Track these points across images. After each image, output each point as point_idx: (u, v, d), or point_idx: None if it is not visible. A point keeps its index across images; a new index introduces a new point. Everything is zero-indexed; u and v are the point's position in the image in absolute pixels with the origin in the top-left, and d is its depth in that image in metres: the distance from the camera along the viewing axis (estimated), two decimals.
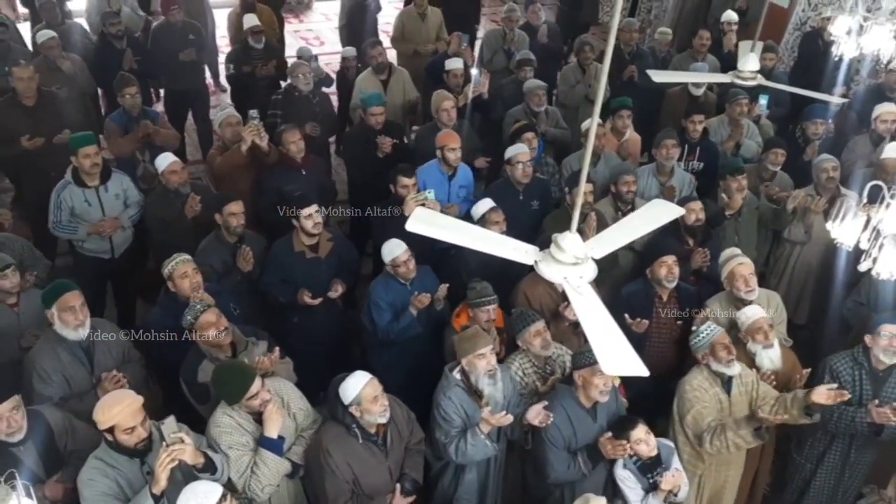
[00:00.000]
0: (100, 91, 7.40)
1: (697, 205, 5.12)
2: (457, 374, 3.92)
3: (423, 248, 4.57)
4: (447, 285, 4.62)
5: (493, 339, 4.30)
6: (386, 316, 4.55)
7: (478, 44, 7.45)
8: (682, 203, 4.91)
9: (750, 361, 4.21)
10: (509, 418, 3.79)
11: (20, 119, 5.72)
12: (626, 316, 4.50)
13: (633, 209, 5.31)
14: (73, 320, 3.87)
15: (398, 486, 3.74)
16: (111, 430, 3.26)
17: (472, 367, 3.83)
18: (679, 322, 4.71)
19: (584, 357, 3.78)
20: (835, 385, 3.85)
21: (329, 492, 3.59)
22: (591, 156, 5.65)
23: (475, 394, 3.89)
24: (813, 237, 5.48)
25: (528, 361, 4.22)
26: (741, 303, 4.45)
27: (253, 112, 5.36)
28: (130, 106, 5.87)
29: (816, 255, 5.56)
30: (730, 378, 4.05)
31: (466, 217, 4.91)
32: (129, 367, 4.14)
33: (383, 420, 3.61)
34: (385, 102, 6.15)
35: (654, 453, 3.80)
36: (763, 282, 5.35)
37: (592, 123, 2.49)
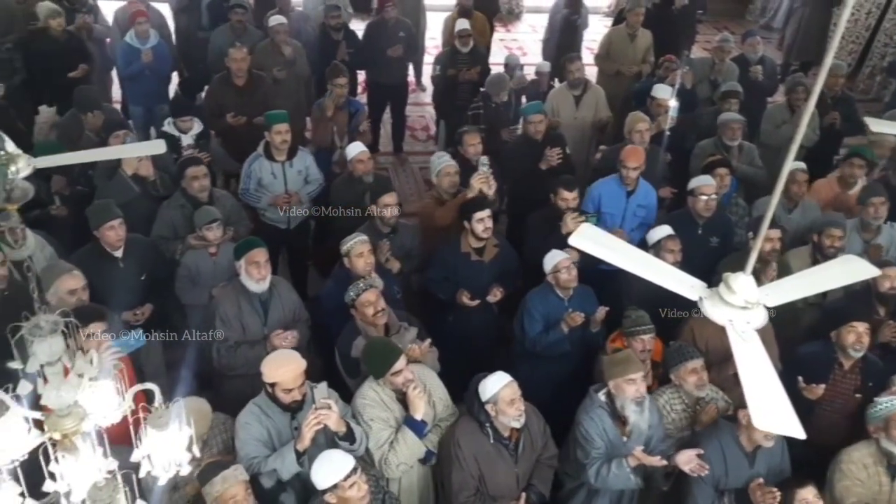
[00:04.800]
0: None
1: (895, 271, 4.65)
2: (602, 396, 3.86)
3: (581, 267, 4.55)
4: (607, 309, 4.53)
5: (647, 372, 4.18)
6: (537, 327, 4.55)
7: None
8: (879, 266, 4.48)
9: None
10: (662, 462, 3.67)
11: (230, 97, 6.29)
12: (800, 379, 4.19)
13: None
14: (256, 274, 4.28)
15: (524, 495, 3.76)
16: (273, 385, 3.54)
17: (620, 392, 3.75)
18: (858, 395, 4.31)
19: None
20: None
21: (454, 483, 3.69)
22: (788, 202, 5.41)
23: (618, 418, 3.81)
24: None
25: (677, 398, 4.07)
26: None
27: (483, 159, 5.43)
28: (338, 95, 6.25)
29: None
30: None
31: (641, 245, 4.77)
32: (297, 326, 4.48)
33: (517, 424, 3.64)
34: (544, 111, 6.14)
35: None
36: None
37: (785, 166, 2.33)
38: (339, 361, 4.21)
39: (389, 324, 4.17)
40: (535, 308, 4.56)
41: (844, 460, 3.79)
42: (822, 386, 4.21)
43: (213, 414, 3.73)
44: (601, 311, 4.52)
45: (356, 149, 5.51)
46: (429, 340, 4.19)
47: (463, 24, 7.40)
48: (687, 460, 3.65)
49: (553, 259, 4.53)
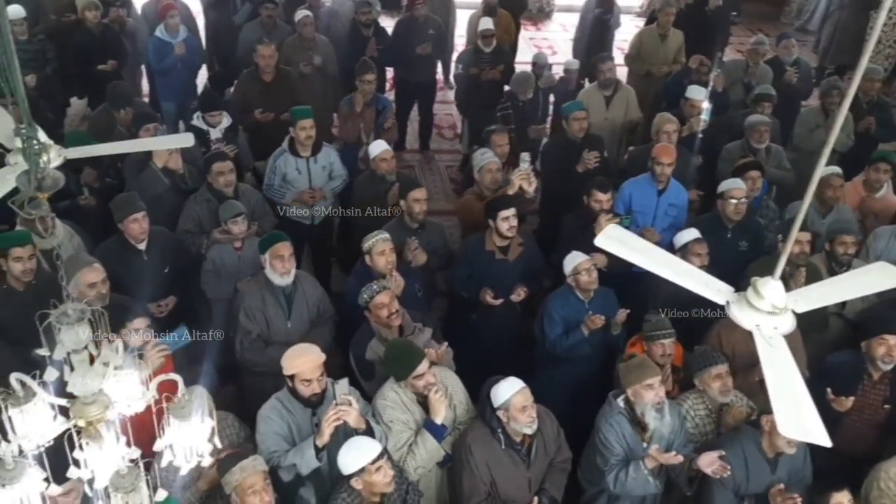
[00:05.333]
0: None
1: None
2: (621, 402, 3.82)
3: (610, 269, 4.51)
4: (627, 311, 4.50)
5: (666, 377, 4.14)
6: (557, 329, 4.52)
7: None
8: None
9: None
10: (679, 458, 3.64)
11: (257, 92, 6.33)
12: (829, 391, 4.12)
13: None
14: (280, 267, 4.31)
15: (535, 499, 3.71)
16: (292, 377, 3.57)
17: (638, 398, 3.71)
18: (886, 406, 4.23)
19: None
20: None
21: (465, 488, 3.67)
22: (822, 207, 5.33)
23: (638, 424, 3.78)
24: None
25: (701, 403, 4.02)
26: None
27: (524, 155, 5.42)
28: (366, 91, 6.27)
29: None
30: None
31: (669, 248, 4.72)
32: (320, 327, 4.50)
33: (529, 431, 3.60)
34: (586, 109, 6.10)
35: None
36: None
37: (817, 169, 2.28)
38: (353, 364, 4.20)
39: (404, 325, 4.15)
40: (555, 310, 4.54)
41: (882, 477, 3.72)
42: (851, 399, 4.15)
43: (221, 413, 3.72)
44: (621, 314, 4.49)
45: (379, 147, 5.52)
46: (445, 343, 4.16)
47: (486, 23, 7.35)
48: (709, 462, 3.61)
49: (573, 261, 4.50)
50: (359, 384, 4.07)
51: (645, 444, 3.79)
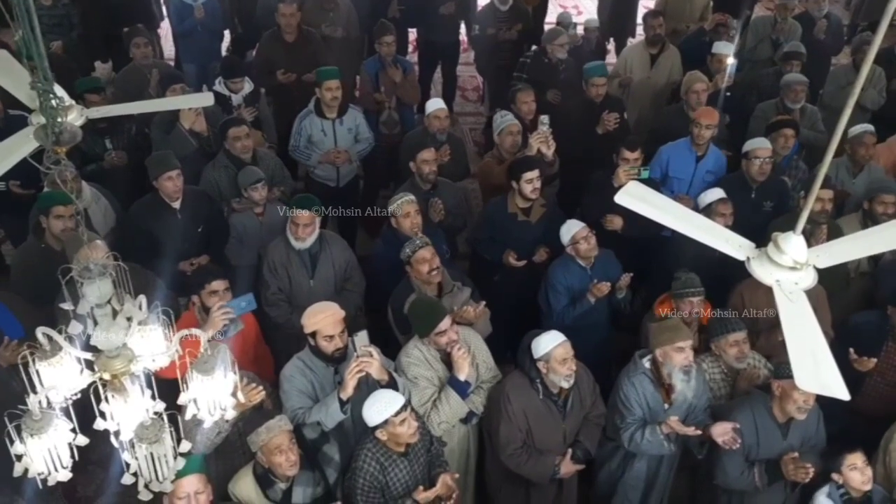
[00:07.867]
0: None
1: None
2: (646, 363, 3.82)
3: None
4: (630, 274, 4.48)
5: (694, 336, 4.13)
6: (562, 300, 4.50)
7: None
8: None
9: None
10: (697, 432, 3.66)
11: (279, 53, 6.27)
12: (852, 351, 4.09)
13: None
14: (298, 233, 4.36)
15: (570, 450, 3.79)
16: (314, 335, 3.61)
17: (668, 359, 3.70)
18: None
19: (790, 367, 3.50)
20: None
21: (502, 436, 3.74)
22: (853, 166, 5.22)
23: (661, 385, 3.78)
24: None
25: (717, 368, 4.02)
26: None
27: (544, 118, 5.34)
28: (385, 53, 6.20)
29: None
30: None
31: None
32: (346, 292, 4.53)
33: (566, 384, 3.67)
34: (608, 75, 5.97)
35: (867, 487, 3.45)
36: None
37: (840, 124, 2.23)
38: (391, 318, 4.24)
39: (443, 283, 4.18)
40: (558, 281, 4.51)
41: None
42: (874, 360, 4.11)
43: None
44: (625, 278, 4.47)
45: (435, 105, 5.46)
46: (483, 303, 4.18)
47: None
48: (722, 432, 3.62)
49: (570, 230, 4.47)
50: (383, 342, 4.07)
51: (667, 406, 3.79)
